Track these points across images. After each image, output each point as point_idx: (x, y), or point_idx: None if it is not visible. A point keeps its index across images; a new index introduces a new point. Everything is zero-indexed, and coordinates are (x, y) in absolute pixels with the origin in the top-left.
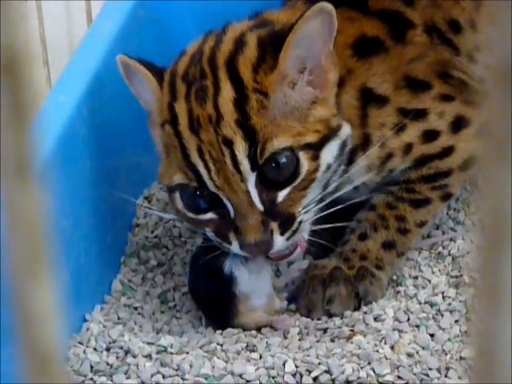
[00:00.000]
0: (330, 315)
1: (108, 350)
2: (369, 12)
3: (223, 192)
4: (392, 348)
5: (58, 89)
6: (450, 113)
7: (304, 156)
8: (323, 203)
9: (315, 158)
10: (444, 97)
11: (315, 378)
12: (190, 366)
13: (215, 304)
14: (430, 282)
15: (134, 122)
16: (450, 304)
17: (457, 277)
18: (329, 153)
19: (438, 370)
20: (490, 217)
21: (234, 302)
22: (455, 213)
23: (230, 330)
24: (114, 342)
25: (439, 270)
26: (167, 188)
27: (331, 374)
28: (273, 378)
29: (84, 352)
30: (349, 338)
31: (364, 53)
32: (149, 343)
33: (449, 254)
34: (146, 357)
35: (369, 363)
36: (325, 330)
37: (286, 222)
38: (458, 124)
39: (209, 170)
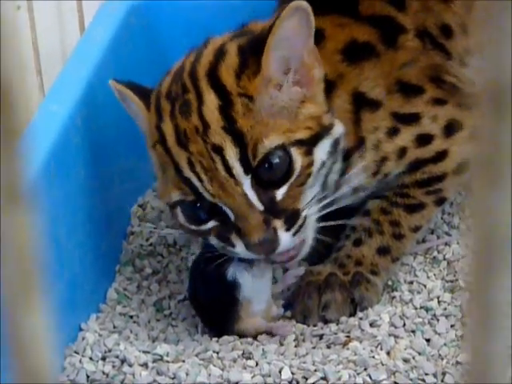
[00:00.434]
0: (326, 321)
1: (104, 359)
2: (360, 17)
3: (219, 199)
4: (388, 354)
5: (51, 98)
6: (443, 117)
7: (296, 152)
8: (325, 202)
9: (308, 153)
10: (437, 101)
11: None
12: (187, 375)
13: (216, 310)
14: (425, 286)
15: (128, 131)
16: (445, 309)
17: (452, 281)
18: (322, 150)
19: (435, 375)
20: (481, 242)
21: (236, 307)
22: (450, 217)
23: (225, 337)
24: (110, 350)
25: (434, 275)
26: (168, 206)
27: (328, 381)
28: None
29: (80, 361)
30: (345, 344)
31: (355, 58)
32: (145, 352)
33: (444, 259)
34: (142, 365)
35: (365, 369)
36: (321, 337)
37: (291, 217)
38: (451, 128)
39: (201, 181)
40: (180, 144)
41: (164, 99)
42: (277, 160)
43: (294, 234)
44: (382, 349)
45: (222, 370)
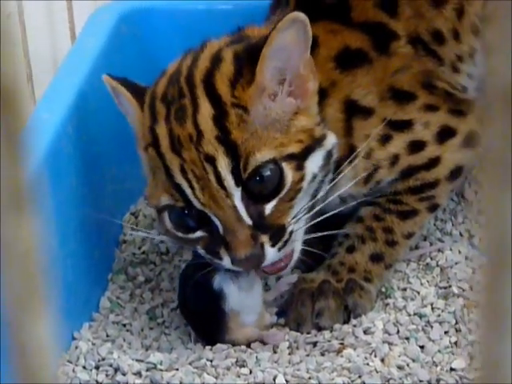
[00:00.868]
0: (320, 329)
1: (97, 368)
2: (352, 24)
3: (209, 209)
4: (382, 361)
5: (42, 106)
6: (436, 123)
7: (288, 167)
8: (313, 211)
9: (299, 168)
10: (429, 107)
11: None
12: (180, 383)
13: (205, 320)
14: (418, 293)
15: (120, 139)
16: (439, 315)
17: (445, 288)
18: (313, 163)
19: (429, 382)
20: (492, 242)
21: (224, 318)
22: (442, 223)
23: (219, 345)
24: (103, 359)
25: (428, 282)
26: (155, 209)
27: None
28: None
29: (73, 371)
30: (339, 352)
31: (347, 65)
32: (138, 360)
33: (437, 265)
34: (135, 374)
35: (359, 376)
36: (314, 344)
37: (277, 233)
38: (444, 134)
39: (193, 189)
40: (173, 150)
41: (159, 102)
42: (268, 173)
43: (280, 250)
44: (376, 356)
45: (216, 378)
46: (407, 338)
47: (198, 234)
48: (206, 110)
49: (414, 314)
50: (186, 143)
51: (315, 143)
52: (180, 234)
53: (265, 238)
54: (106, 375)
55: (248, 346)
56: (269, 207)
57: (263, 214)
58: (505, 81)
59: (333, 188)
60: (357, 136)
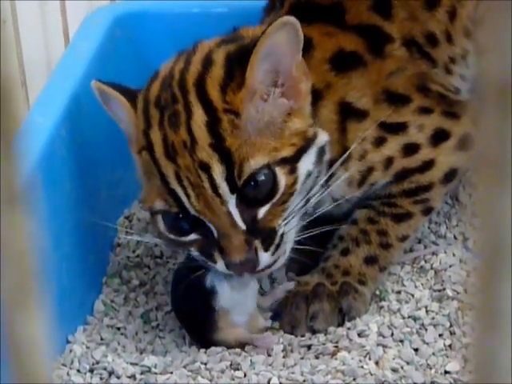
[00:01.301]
0: (314, 331)
1: (92, 371)
2: (346, 27)
3: (204, 216)
4: (377, 363)
5: (36, 110)
6: (430, 126)
7: (281, 171)
8: (306, 216)
9: (292, 171)
10: (423, 110)
11: None
12: None
13: (196, 319)
14: (413, 296)
15: (114, 142)
16: (433, 318)
17: (440, 290)
18: (307, 162)
19: None
20: (488, 240)
21: (213, 316)
22: (437, 226)
23: (213, 348)
24: (98, 363)
25: (422, 284)
26: (149, 211)
27: None
28: None
29: (67, 374)
30: (333, 355)
31: (342, 67)
32: (132, 364)
33: (431, 268)
34: (130, 377)
35: (354, 379)
36: (309, 347)
37: (268, 237)
38: (438, 137)
39: (188, 196)
40: (168, 156)
41: (153, 106)
42: (262, 178)
43: (273, 254)
44: (370, 358)
45: (211, 381)
46: (401, 341)
47: (192, 236)
48: (198, 116)
49: (409, 317)
50: (180, 150)
51: (307, 143)
52: (173, 237)
53: (258, 243)
54: (101, 378)
55: (242, 348)
56: (262, 211)
57: (256, 218)
58: (498, 78)
59: (326, 190)
60: (351, 138)
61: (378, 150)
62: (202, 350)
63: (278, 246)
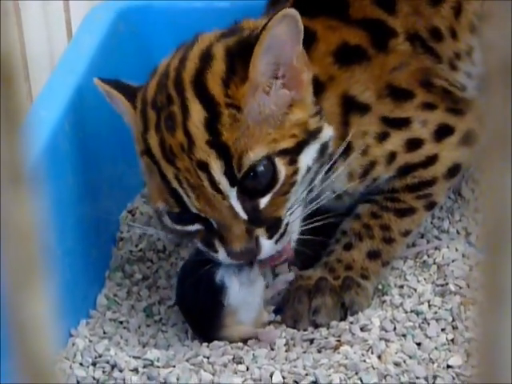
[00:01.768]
0: (317, 326)
1: (94, 364)
2: (350, 21)
3: (205, 213)
4: (379, 357)
5: (39, 104)
6: (433, 121)
7: (280, 162)
8: (308, 207)
9: (292, 162)
10: (427, 105)
11: None
12: (177, 380)
13: (202, 314)
14: (415, 290)
15: (117, 136)
16: (436, 312)
17: (442, 285)
18: (308, 156)
19: (426, 379)
20: (491, 218)
21: (220, 313)
22: (439, 221)
23: (216, 342)
24: (100, 356)
25: (424, 279)
26: (154, 209)
27: None
28: None
29: (70, 367)
30: (336, 349)
31: (346, 61)
32: (135, 357)
33: (434, 263)
34: (132, 371)
35: (356, 373)
36: (311, 341)
37: (273, 226)
38: (442, 132)
39: (189, 197)
40: (167, 159)
41: (150, 108)
42: (261, 169)
43: (276, 242)
44: (372, 353)
45: (213, 374)
46: (404, 335)
47: (195, 226)
48: (196, 113)
49: (411, 311)
50: (178, 152)
51: (309, 137)
52: (178, 227)
53: (260, 232)
54: (103, 372)
55: (245, 342)
56: (263, 201)
57: (258, 208)
58: (504, 54)
59: (328, 184)
60: (352, 132)
61: (380, 145)
62: (205, 344)
63: (283, 234)
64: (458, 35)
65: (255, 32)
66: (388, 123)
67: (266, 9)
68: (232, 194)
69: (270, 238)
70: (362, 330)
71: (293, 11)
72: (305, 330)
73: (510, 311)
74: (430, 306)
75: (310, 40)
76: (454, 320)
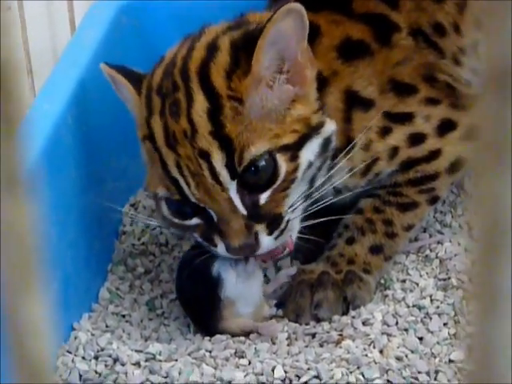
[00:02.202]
0: (318, 320)
1: (96, 358)
2: (353, 15)
3: (204, 203)
4: (381, 352)
5: (42, 97)
6: (437, 116)
7: (281, 158)
8: (310, 206)
9: (293, 158)
10: (430, 100)
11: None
12: (179, 373)
13: (200, 307)
14: (417, 285)
15: (119, 130)
16: (438, 307)
17: (444, 279)
18: (309, 151)
19: (428, 374)
20: (486, 224)
21: (218, 305)
22: (442, 216)
23: (218, 336)
24: (103, 350)
25: (427, 273)
26: (153, 196)
27: (320, 379)
28: (262, 383)
29: (72, 361)
30: (337, 343)
31: (349, 55)
32: (137, 351)
33: (436, 257)
34: (134, 364)
35: (358, 367)
36: (313, 335)
37: (274, 222)
38: (445, 127)
39: (188, 185)
40: (169, 145)
41: (155, 94)
42: (262, 164)
43: (276, 238)
44: (374, 347)
45: (215, 368)
46: (406, 330)
47: (194, 221)
48: (199, 104)
49: (413, 306)
50: (180, 139)
51: (311, 131)
52: (176, 221)
53: (260, 227)
54: (105, 365)
55: (247, 336)
56: (263, 197)
57: (258, 203)
58: (496, 62)
59: (330, 179)
60: (356, 128)
61: (382, 140)
62: (207, 338)
63: (283, 231)
64: (462, 30)
65: (260, 25)
66: (391, 118)
67: (268, 2)
68: (232, 186)
69: (270, 234)
70: (363, 324)
71: (298, 6)
72: (307, 324)
73: (506, 313)
74: (432, 300)
75: (313, 34)
76: (456, 314)
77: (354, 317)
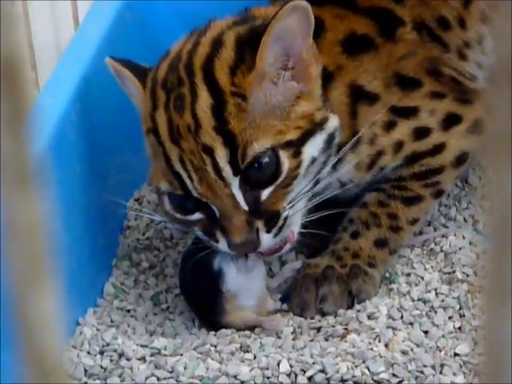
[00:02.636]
0: (324, 314)
1: (102, 353)
2: (357, 9)
3: (207, 198)
4: (386, 346)
5: (46, 93)
6: (441, 110)
7: (284, 154)
8: (313, 199)
9: (296, 154)
10: (435, 94)
11: (310, 378)
12: (185, 368)
13: (203, 301)
14: (422, 278)
15: (123, 125)
16: (443, 300)
17: (449, 273)
18: (313, 147)
19: (433, 367)
20: (495, 216)
21: (220, 299)
22: (446, 209)
23: (223, 330)
24: (108, 345)
25: (432, 267)
26: (156, 190)
27: (326, 373)
28: (267, 378)
29: (78, 356)
30: (343, 337)
31: (354, 50)
32: (142, 346)
33: (441, 251)
34: (139, 359)
35: (363, 361)
36: (318, 329)
37: (271, 219)
38: (449, 121)
39: (191, 179)
40: (172, 139)
41: (160, 88)
42: (266, 160)
43: (275, 236)
44: (380, 341)
45: (220, 363)
46: (411, 323)
47: (196, 216)
48: (204, 99)
49: (418, 300)
50: (184, 134)
51: (315, 127)
52: (178, 216)
53: (260, 224)
54: (111, 360)
55: (252, 331)
56: (265, 193)
57: (259, 199)
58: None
59: (335, 173)
60: (361, 122)
61: (387, 134)
62: (212, 333)
63: (281, 228)
64: (466, 24)
65: (266, 21)
66: (396, 112)
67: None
68: (234, 182)
69: (269, 231)
70: (369, 318)
71: (304, 3)
72: (312, 318)
73: None
74: (437, 294)
75: (317, 29)
76: (461, 308)
77: (359, 311)
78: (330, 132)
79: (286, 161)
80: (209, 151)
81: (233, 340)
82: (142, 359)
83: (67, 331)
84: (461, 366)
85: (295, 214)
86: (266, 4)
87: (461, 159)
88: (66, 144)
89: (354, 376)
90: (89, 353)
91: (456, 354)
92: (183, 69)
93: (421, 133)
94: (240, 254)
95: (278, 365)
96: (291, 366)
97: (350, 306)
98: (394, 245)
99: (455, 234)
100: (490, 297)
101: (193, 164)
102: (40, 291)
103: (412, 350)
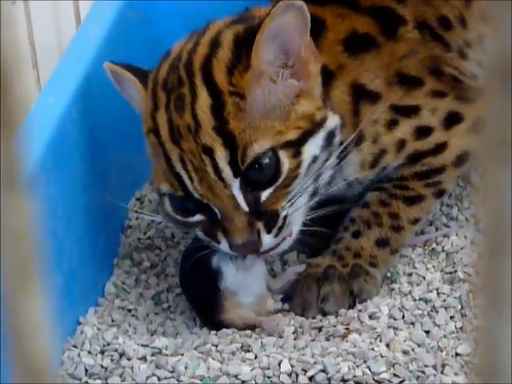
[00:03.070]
0: (325, 314)
1: (102, 352)
2: (359, 8)
3: (207, 199)
4: (387, 346)
5: (47, 91)
6: (443, 109)
7: (284, 155)
8: (315, 197)
9: (296, 155)
10: (436, 93)
11: (311, 378)
12: (185, 368)
13: (202, 299)
14: (424, 278)
15: (125, 124)
16: (444, 300)
17: (451, 273)
18: (313, 146)
19: (434, 367)
20: (491, 219)
21: (218, 297)
22: (448, 209)
23: (224, 330)
24: (109, 344)
25: (433, 267)
26: (157, 192)
27: (327, 373)
28: (268, 377)
29: (78, 355)
30: (344, 337)
31: (355, 49)
32: (143, 345)
33: (443, 250)
34: (140, 359)
35: (364, 361)
36: (320, 329)
37: (271, 219)
38: (451, 120)
39: (192, 180)
40: (173, 139)
41: (160, 88)
42: (266, 161)
43: (276, 236)
44: (381, 341)
45: (221, 363)
46: (412, 323)
47: (197, 217)
48: (203, 99)
49: (420, 299)
50: (184, 134)
51: (315, 127)
52: (179, 218)
53: (260, 225)
54: (111, 360)
55: (253, 330)
56: (265, 194)
57: (259, 200)
58: (501, 57)
59: (338, 172)
60: (363, 119)
61: (390, 133)
62: (213, 332)
63: (281, 228)
64: (468, 24)
65: (261, 19)
66: (397, 111)
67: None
68: (235, 184)
69: (269, 232)
70: (370, 318)
71: (299, 2)
72: (313, 317)
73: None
74: (438, 293)
75: (319, 28)
76: (462, 308)
77: (360, 310)
78: (330, 130)
79: (286, 161)
80: (209, 152)
81: (234, 340)
82: (143, 359)
83: (68, 330)
84: (462, 366)
85: (295, 213)
86: (266, 4)
87: (462, 159)
88: (68, 143)
89: (355, 376)
90: (90, 352)
91: (457, 354)
92: (183, 69)
93: (422, 132)
94: (241, 254)
95: (279, 364)
96: (292, 366)
97: (352, 306)
98: (396, 244)
99: (457, 234)
100: (488, 297)
101: (193, 164)
102: (29, 293)
103: (413, 349)
